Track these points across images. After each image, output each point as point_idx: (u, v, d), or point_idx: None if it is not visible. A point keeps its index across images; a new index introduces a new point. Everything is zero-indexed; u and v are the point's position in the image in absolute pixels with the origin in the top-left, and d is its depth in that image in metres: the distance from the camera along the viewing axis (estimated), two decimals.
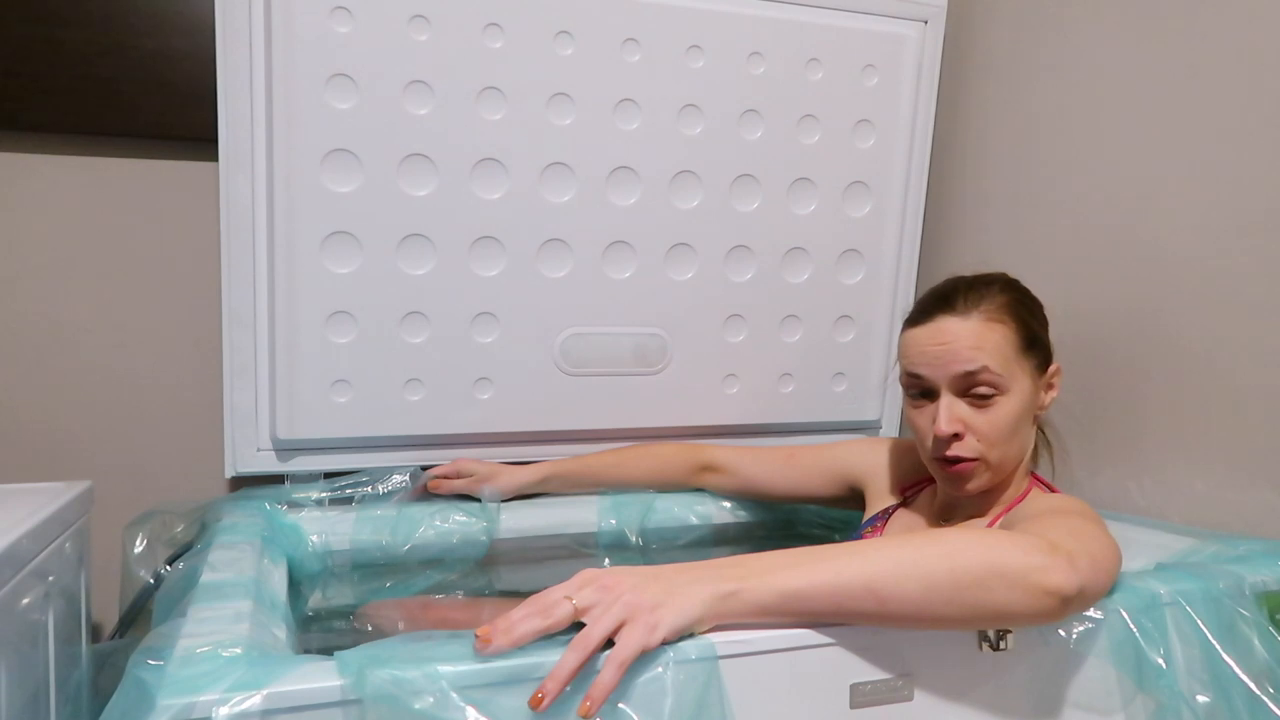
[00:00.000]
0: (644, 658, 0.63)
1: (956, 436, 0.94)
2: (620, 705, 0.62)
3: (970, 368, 0.92)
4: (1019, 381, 0.94)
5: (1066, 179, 1.24)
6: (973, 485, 0.95)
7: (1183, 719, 0.77)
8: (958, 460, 0.94)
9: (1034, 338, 0.96)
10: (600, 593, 0.64)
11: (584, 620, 0.63)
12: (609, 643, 0.63)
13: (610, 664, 0.61)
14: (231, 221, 1.14)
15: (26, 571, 0.82)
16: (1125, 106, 1.16)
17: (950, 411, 0.93)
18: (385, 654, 0.61)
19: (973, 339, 0.93)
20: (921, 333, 0.96)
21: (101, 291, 1.26)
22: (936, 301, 0.97)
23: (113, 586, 1.10)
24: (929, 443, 0.96)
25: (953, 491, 0.98)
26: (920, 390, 0.97)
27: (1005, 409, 0.93)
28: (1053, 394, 0.99)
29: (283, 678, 0.59)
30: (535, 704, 0.60)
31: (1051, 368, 0.99)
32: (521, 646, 0.62)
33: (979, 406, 0.93)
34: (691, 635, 0.66)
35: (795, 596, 0.68)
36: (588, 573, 0.66)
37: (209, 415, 1.25)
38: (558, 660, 0.61)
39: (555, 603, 0.64)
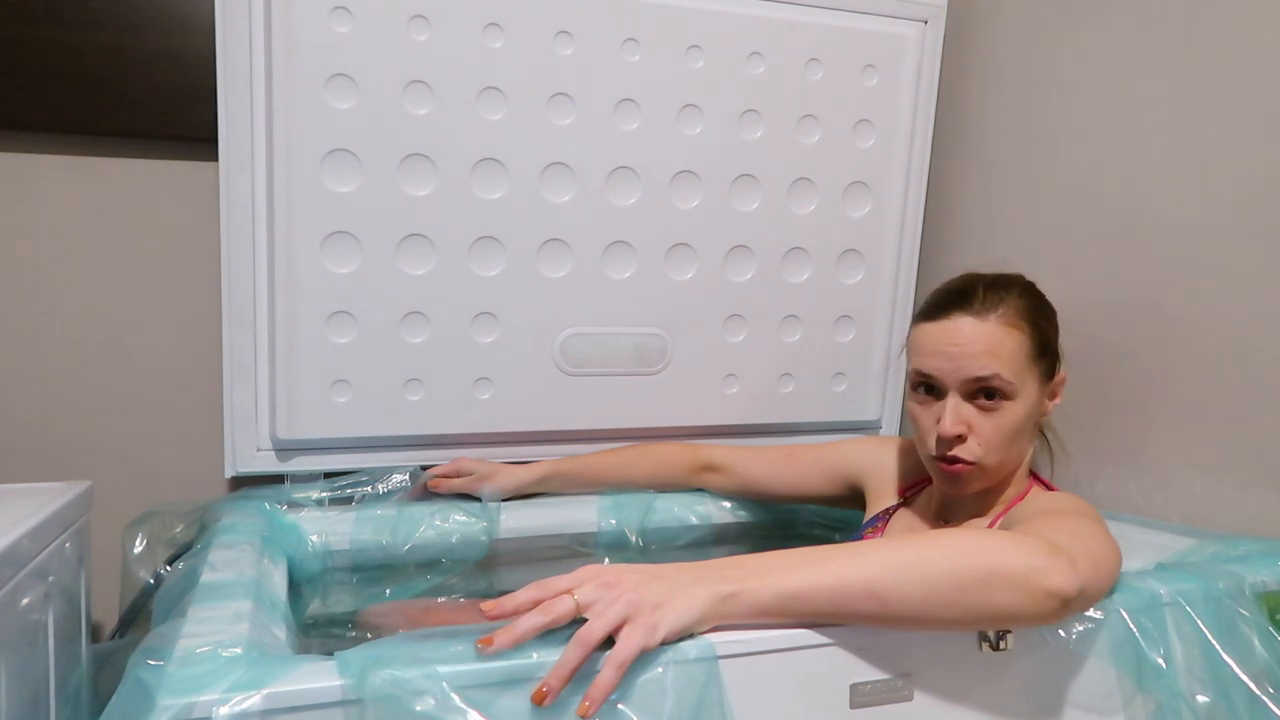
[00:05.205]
0: (643, 658, 0.63)
1: (960, 438, 0.93)
2: (620, 705, 0.62)
3: (983, 373, 0.91)
4: (1028, 388, 0.93)
5: (1067, 179, 1.24)
6: (968, 489, 0.95)
7: (1182, 719, 0.77)
8: (956, 461, 0.94)
9: (1046, 345, 0.96)
10: (602, 590, 0.64)
11: (585, 616, 0.63)
12: (609, 640, 0.63)
13: (610, 664, 0.61)
14: (231, 221, 1.14)
15: (26, 571, 0.82)
16: (1125, 106, 1.16)
17: (956, 413, 0.93)
18: (386, 654, 0.61)
19: (988, 343, 0.92)
20: (936, 329, 0.95)
21: (101, 291, 1.26)
22: (954, 298, 0.96)
23: (113, 586, 1.10)
24: (930, 440, 0.96)
25: (948, 491, 0.98)
26: (927, 387, 0.97)
27: (1011, 415, 0.93)
28: (1056, 402, 0.99)
29: (283, 678, 0.59)
30: (539, 699, 0.61)
31: (1057, 376, 0.98)
32: (523, 644, 0.62)
33: (985, 410, 0.93)
34: (691, 636, 0.66)
35: (796, 598, 0.68)
36: (590, 569, 0.66)
37: (209, 415, 1.25)
38: (559, 657, 0.61)
39: (557, 599, 0.64)
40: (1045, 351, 0.95)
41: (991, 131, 1.36)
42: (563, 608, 0.63)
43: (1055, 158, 1.26)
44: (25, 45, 1.16)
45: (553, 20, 1.16)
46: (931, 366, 0.95)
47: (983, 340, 0.92)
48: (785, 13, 1.27)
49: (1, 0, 1.15)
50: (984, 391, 0.93)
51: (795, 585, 0.68)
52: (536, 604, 0.64)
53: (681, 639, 0.65)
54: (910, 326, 1.00)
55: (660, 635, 0.63)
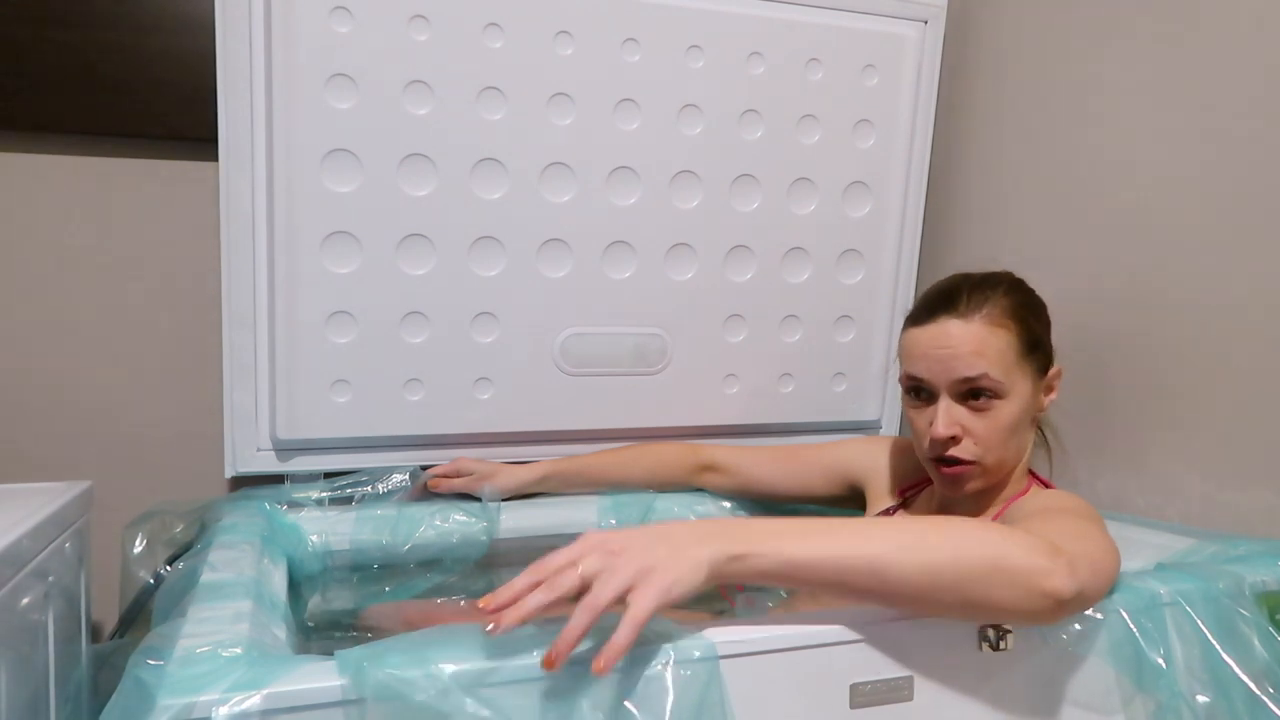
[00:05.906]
0: (645, 657, 0.63)
1: (954, 439, 0.93)
2: (622, 703, 0.62)
3: (971, 373, 0.92)
4: (1019, 386, 0.94)
5: (1066, 179, 1.24)
6: (968, 488, 0.95)
7: (1182, 719, 0.77)
8: (954, 462, 0.94)
9: (1036, 341, 0.96)
10: (607, 558, 0.64)
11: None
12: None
13: (626, 623, 0.61)
14: (231, 221, 1.14)
15: (26, 571, 0.82)
16: (1125, 104, 1.16)
17: (949, 415, 0.93)
18: (386, 654, 0.61)
19: (975, 343, 0.92)
20: (923, 334, 0.96)
21: (101, 291, 1.26)
22: (939, 301, 0.96)
23: (113, 586, 1.10)
24: (926, 444, 0.96)
25: (949, 493, 0.98)
26: (919, 391, 0.97)
27: (1004, 413, 0.93)
28: (1052, 397, 0.99)
29: (283, 678, 0.59)
30: (548, 665, 0.60)
31: (1052, 371, 0.98)
32: (530, 620, 0.62)
33: (978, 410, 0.93)
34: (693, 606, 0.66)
35: (800, 566, 0.68)
36: (592, 536, 0.66)
37: (209, 415, 1.24)
38: (567, 624, 0.61)
39: (560, 575, 0.63)
40: (1036, 348, 0.96)
41: (991, 131, 1.36)
42: (567, 582, 0.63)
43: (1055, 157, 1.26)
44: (26, 45, 1.16)
45: (553, 20, 1.16)
46: (920, 370, 0.95)
47: (969, 341, 0.92)
48: (785, 13, 1.27)
49: (2, 1, 1.15)
50: (974, 392, 0.93)
51: (802, 555, 0.68)
52: (534, 586, 0.63)
53: (688, 600, 0.65)
54: (900, 331, 1.00)
55: (672, 596, 0.63)
